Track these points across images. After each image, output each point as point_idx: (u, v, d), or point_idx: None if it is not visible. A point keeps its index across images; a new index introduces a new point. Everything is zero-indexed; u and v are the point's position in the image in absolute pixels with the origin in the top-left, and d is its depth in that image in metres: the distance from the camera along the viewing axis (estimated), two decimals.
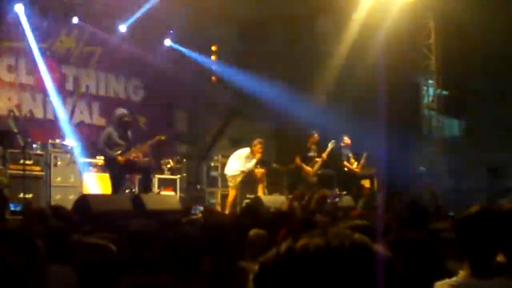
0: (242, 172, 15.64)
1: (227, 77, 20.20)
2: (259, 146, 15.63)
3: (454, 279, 3.73)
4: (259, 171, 15.86)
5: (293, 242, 1.34)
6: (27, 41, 17.13)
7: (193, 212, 13.21)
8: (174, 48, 20.24)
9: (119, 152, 13.10)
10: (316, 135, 16.75)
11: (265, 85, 18.98)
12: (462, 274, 3.73)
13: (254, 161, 15.62)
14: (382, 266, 1.30)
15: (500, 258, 3.87)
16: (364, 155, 17.38)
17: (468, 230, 3.80)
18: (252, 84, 19.21)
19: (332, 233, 1.34)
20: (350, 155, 17.42)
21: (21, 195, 12.90)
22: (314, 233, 1.35)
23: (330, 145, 16.53)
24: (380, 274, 1.28)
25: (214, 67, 20.63)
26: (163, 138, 13.74)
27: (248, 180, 15.85)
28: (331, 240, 1.32)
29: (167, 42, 20.27)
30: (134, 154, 13.33)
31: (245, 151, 15.78)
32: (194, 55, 20.20)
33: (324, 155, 16.45)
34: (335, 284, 1.26)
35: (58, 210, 9.11)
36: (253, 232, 6.22)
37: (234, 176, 15.67)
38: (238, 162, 15.73)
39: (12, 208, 11.68)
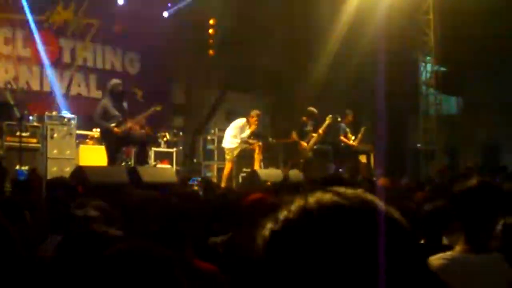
0: (239, 143, 15.64)
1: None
2: (255, 118, 15.61)
3: (449, 253, 3.72)
4: (256, 144, 15.84)
5: (304, 201, 1.31)
6: (24, 13, 17.09)
7: (190, 183, 13.26)
8: (171, 20, 20.20)
9: (114, 124, 13.05)
10: (314, 110, 16.69)
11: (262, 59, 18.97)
12: (458, 248, 3.71)
13: (248, 131, 15.61)
14: (393, 225, 1.28)
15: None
16: (362, 129, 17.34)
17: (468, 203, 3.78)
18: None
19: (344, 192, 1.31)
20: (348, 130, 17.36)
21: (18, 167, 12.91)
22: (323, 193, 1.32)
23: (327, 120, 16.49)
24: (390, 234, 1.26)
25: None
26: (158, 108, 13.64)
27: (244, 154, 15.85)
28: (345, 198, 1.29)
29: (165, 14, 20.21)
30: (130, 125, 13.28)
31: (241, 121, 15.76)
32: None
33: (320, 130, 16.41)
34: (352, 244, 1.23)
35: (61, 182, 9.15)
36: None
37: (231, 149, 15.65)
38: (234, 132, 15.71)
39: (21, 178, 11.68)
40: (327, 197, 1.28)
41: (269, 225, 1.29)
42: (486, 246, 3.71)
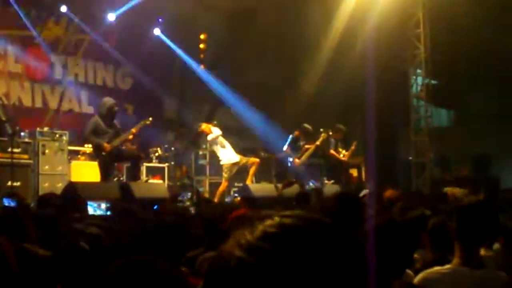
0: (240, 157, 15.59)
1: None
2: (204, 124, 15.71)
3: (447, 266, 3.78)
4: (254, 160, 15.82)
5: (266, 225, 1.33)
6: (16, 29, 17.11)
7: (180, 199, 13.24)
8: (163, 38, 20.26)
9: (105, 140, 13.06)
10: (308, 127, 16.70)
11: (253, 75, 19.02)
12: (454, 262, 3.77)
13: (216, 131, 15.58)
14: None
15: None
16: (354, 143, 17.37)
17: (468, 220, 3.84)
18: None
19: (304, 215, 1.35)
20: (338, 144, 17.37)
21: (9, 183, 12.86)
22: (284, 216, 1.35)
23: (322, 136, 16.53)
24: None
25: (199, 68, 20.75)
26: (148, 122, 13.68)
27: (239, 169, 15.79)
28: (306, 221, 1.32)
29: (156, 31, 20.24)
30: (120, 140, 13.31)
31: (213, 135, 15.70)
32: (180, 51, 20.27)
33: (315, 145, 16.45)
34: (314, 266, 1.25)
35: (50, 198, 9.12)
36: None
37: (229, 168, 15.52)
38: (225, 145, 15.67)
39: (6, 204, 11.61)
40: (288, 220, 1.31)
41: (231, 249, 1.30)
42: (482, 262, 3.77)
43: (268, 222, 1.32)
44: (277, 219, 1.32)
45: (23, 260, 3.07)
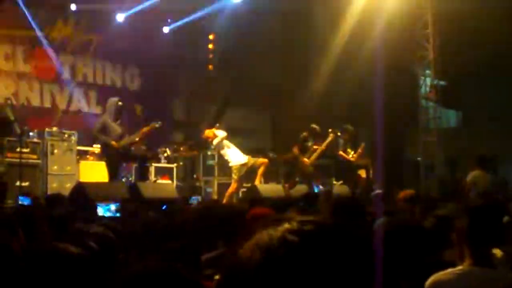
0: (248, 158, 15.56)
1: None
2: (207, 130, 15.67)
3: (459, 267, 3.78)
4: (262, 161, 15.76)
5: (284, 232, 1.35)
6: (25, 29, 17.16)
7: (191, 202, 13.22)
8: (171, 36, 20.26)
9: (113, 138, 13.07)
10: (316, 128, 16.66)
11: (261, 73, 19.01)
12: (465, 263, 3.78)
13: (220, 134, 15.52)
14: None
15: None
16: (362, 145, 17.31)
17: (479, 221, 3.85)
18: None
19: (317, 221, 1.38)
20: (347, 145, 17.32)
21: (18, 183, 12.89)
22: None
23: (330, 137, 16.47)
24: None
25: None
26: (157, 125, 13.65)
27: (248, 170, 15.75)
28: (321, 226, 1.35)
29: (165, 30, 20.29)
30: (129, 141, 13.30)
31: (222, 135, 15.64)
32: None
33: (324, 145, 16.40)
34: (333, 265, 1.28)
35: (57, 198, 9.14)
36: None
37: (238, 169, 15.47)
38: (232, 147, 15.63)
39: (20, 202, 11.60)
40: (307, 227, 1.35)
41: (251, 253, 1.34)
42: (492, 262, 3.77)
43: (287, 226, 1.35)
44: (295, 224, 1.35)
45: (55, 259, 3.06)
